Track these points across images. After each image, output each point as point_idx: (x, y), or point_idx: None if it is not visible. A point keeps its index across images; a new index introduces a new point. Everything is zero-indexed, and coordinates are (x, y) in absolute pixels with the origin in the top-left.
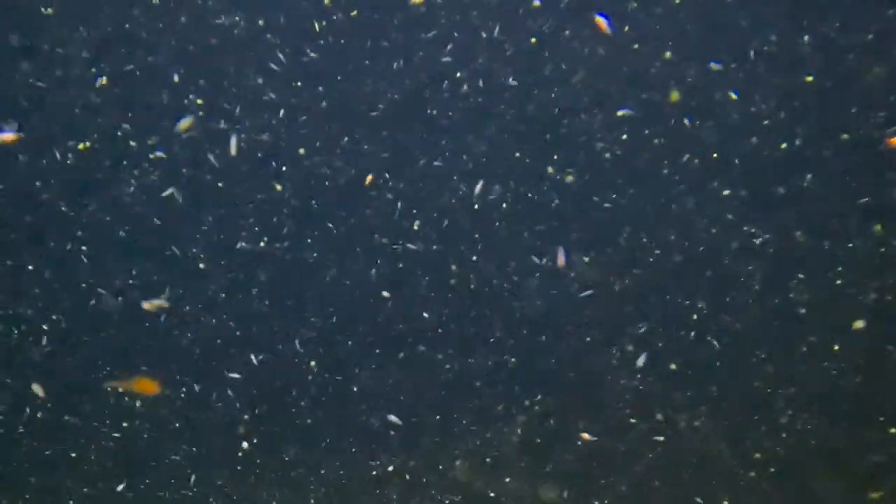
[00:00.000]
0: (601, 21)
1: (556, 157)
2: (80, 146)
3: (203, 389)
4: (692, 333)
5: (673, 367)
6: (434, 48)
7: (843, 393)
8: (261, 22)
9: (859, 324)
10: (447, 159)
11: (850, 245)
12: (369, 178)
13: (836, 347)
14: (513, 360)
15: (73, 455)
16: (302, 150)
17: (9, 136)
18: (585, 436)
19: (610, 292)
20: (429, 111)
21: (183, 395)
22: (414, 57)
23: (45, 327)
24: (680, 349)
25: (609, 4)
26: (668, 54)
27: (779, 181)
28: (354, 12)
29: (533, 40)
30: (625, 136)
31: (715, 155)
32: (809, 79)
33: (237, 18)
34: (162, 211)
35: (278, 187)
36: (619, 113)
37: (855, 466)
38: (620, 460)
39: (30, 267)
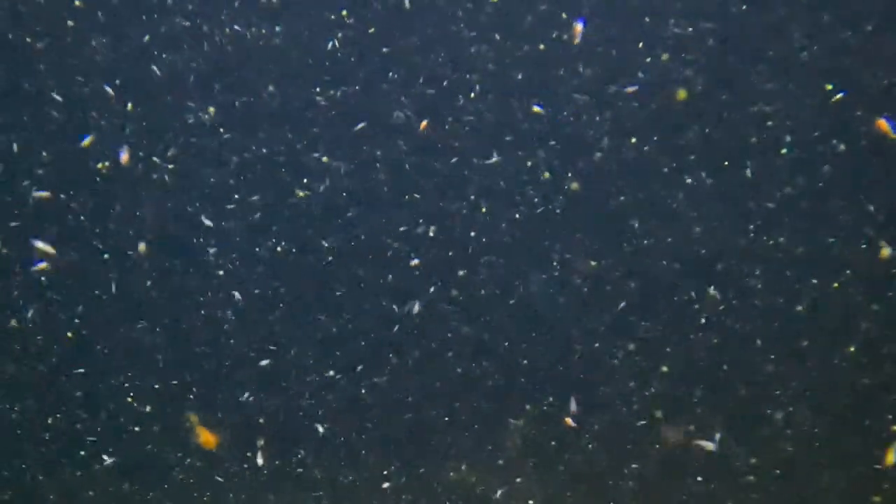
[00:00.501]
0: (578, 27)
1: (561, 163)
2: (100, 166)
3: (214, 392)
4: (696, 335)
5: (676, 368)
6: (448, 57)
7: (845, 395)
8: (278, 28)
9: (864, 324)
10: (460, 167)
11: (864, 246)
12: (424, 123)
13: (838, 350)
14: (525, 362)
15: (82, 453)
16: (325, 159)
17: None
18: (568, 420)
19: (615, 295)
20: (442, 119)
21: (192, 398)
22: (428, 67)
23: (69, 335)
24: (684, 350)
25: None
26: (665, 56)
27: (782, 183)
28: (372, 29)
29: (542, 47)
30: (634, 140)
31: (726, 163)
32: (829, 87)
33: (259, 30)
34: (182, 219)
35: (301, 194)
36: (535, 109)
37: (857, 469)
38: (626, 462)
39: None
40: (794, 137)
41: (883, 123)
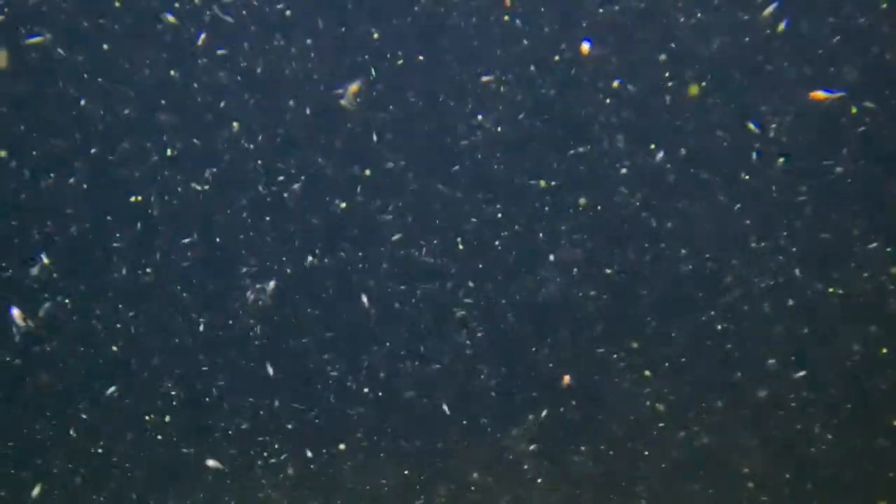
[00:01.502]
0: (585, 46)
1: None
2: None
3: (227, 393)
4: (702, 339)
5: (683, 369)
6: (469, 71)
7: (850, 399)
8: (309, 41)
9: (871, 328)
10: (473, 183)
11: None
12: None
13: (844, 351)
14: (549, 367)
15: (99, 451)
16: (368, 172)
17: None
18: (566, 378)
19: (620, 297)
20: (461, 137)
21: (206, 401)
22: (445, 83)
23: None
24: (691, 352)
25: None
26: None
27: (784, 189)
28: (400, 62)
29: (556, 58)
30: (652, 145)
31: (746, 176)
32: (854, 110)
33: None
34: (216, 229)
35: (343, 206)
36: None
37: (862, 475)
38: (638, 463)
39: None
40: (794, 145)
41: (819, 94)
